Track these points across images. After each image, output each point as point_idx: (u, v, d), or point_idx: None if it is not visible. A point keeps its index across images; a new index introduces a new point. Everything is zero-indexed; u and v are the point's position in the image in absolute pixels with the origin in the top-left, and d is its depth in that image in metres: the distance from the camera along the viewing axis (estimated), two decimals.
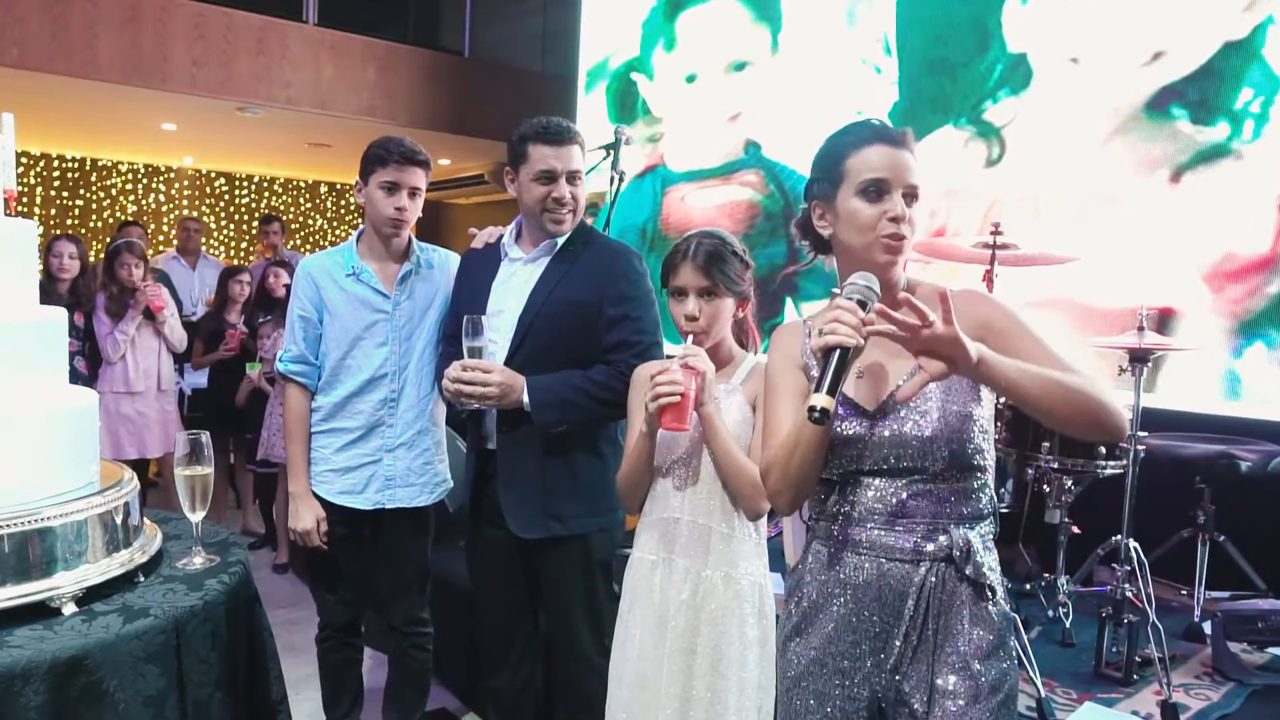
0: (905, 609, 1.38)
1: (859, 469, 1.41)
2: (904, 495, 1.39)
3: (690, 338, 1.82)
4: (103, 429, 4.32)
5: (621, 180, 3.60)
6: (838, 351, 1.24)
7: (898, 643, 1.39)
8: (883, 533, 1.39)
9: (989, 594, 1.39)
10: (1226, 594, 3.13)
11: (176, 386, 4.79)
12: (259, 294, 4.77)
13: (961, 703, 1.36)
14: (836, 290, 1.38)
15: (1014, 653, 1.43)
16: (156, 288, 4.33)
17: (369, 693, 2.68)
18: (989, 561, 1.40)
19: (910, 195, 1.39)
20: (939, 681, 1.38)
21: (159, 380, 4.48)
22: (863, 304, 1.29)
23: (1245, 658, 2.74)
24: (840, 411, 1.40)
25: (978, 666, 1.37)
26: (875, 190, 1.38)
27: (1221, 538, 3.11)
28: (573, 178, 2.13)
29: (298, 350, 2.36)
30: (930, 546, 1.38)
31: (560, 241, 2.18)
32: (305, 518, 2.33)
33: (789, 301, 5.10)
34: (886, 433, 1.39)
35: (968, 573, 1.37)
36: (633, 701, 1.85)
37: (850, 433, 1.41)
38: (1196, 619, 3.00)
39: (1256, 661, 2.76)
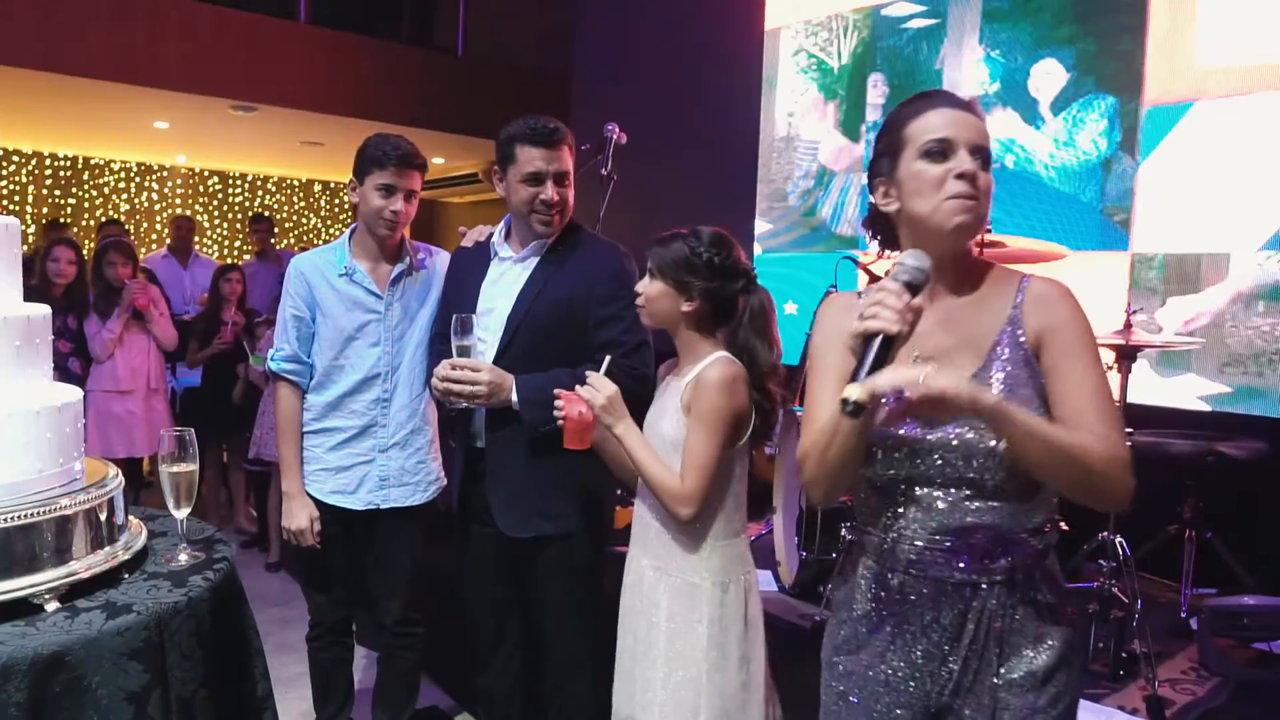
0: (964, 633, 1.29)
1: (912, 475, 1.29)
2: (962, 510, 1.27)
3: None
4: (92, 427, 4.33)
5: (613, 180, 3.61)
6: (878, 338, 1.14)
7: (956, 668, 1.30)
8: (939, 553, 1.28)
9: (1054, 612, 1.31)
10: (1213, 590, 3.14)
11: (168, 385, 4.79)
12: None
13: (1023, 717, 1.29)
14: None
15: (1077, 667, 1.35)
16: (140, 284, 4.32)
17: (360, 692, 2.68)
18: (1051, 577, 1.31)
19: (979, 155, 1.26)
20: (1001, 699, 1.30)
21: (149, 379, 4.47)
22: (912, 286, 1.18)
23: (1231, 653, 2.76)
24: (891, 407, 1.25)
25: (1041, 683, 1.29)
26: (939, 150, 1.26)
27: (1209, 534, 3.12)
28: (561, 178, 2.13)
29: (290, 349, 2.36)
30: (990, 569, 1.27)
31: (549, 241, 2.18)
32: (299, 516, 2.33)
33: None
34: (946, 436, 1.26)
35: (1032, 596, 1.29)
36: (619, 688, 1.90)
37: (903, 434, 1.27)
38: (1183, 615, 3.02)
39: (1242, 657, 2.77)
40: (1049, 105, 4.05)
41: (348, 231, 2.43)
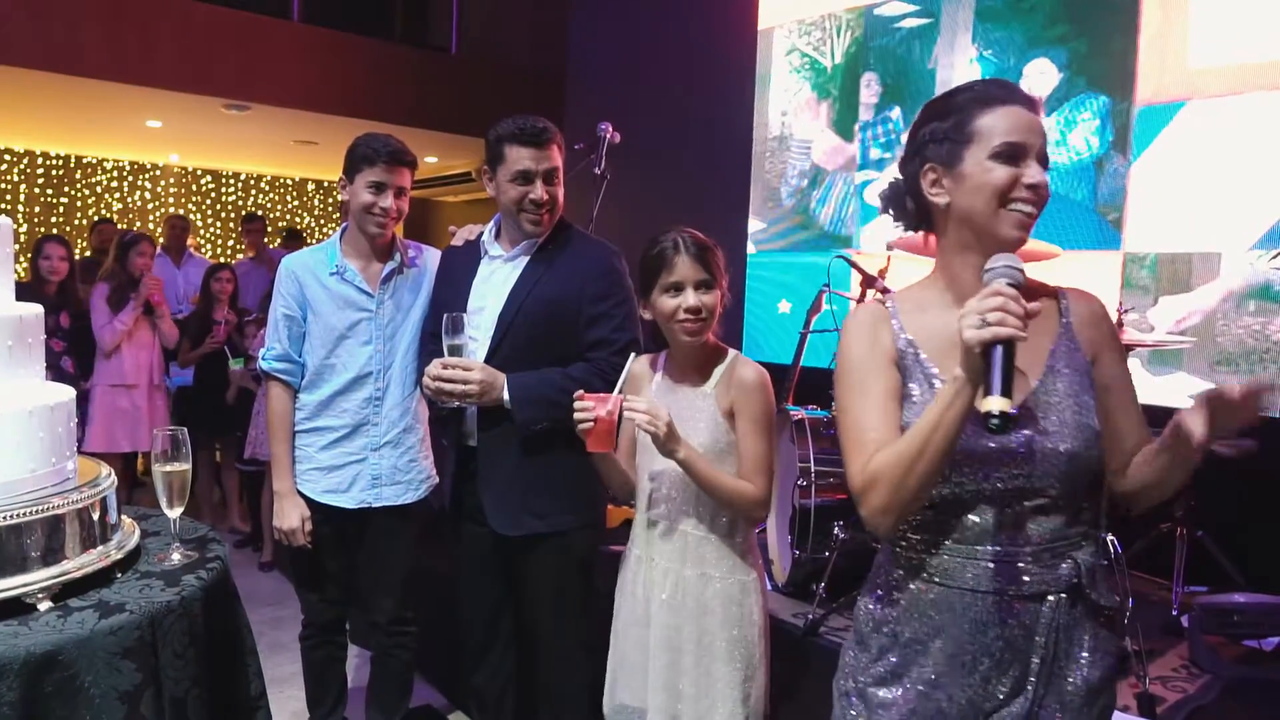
0: (1034, 648, 1.23)
1: (973, 489, 1.24)
2: (1024, 519, 1.23)
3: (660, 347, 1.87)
4: (97, 422, 4.42)
5: (606, 179, 3.60)
6: (1000, 346, 1.08)
7: (1029, 686, 1.24)
8: (999, 565, 1.23)
9: (1110, 619, 1.28)
10: (1204, 588, 3.15)
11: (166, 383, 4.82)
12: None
13: None
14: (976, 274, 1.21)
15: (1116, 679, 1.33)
16: (157, 281, 4.39)
17: (353, 690, 2.68)
18: (1109, 582, 1.30)
19: (1044, 162, 1.26)
20: (1061, 708, 1.26)
21: (152, 375, 4.55)
22: (1017, 287, 1.13)
23: (1221, 650, 2.77)
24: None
25: (1094, 699, 1.27)
26: (1011, 154, 1.23)
27: (1200, 532, 3.13)
28: (550, 177, 2.13)
29: (281, 349, 2.36)
30: (1052, 577, 1.23)
31: (539, 240, 2.18)
32: (290, 516, 2.33)
33: None
34: (1015, 447, 1.22)
35: (1093, 598, 1.25)
36: (624, 691, 1.89)
37: (968, 445, 1.21)
38: (1174, 612, 3.03)
39: (1232, 654, 2.78)
40: (1042, 105, 4.06)
41: (338, 230, 2.43)
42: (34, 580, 1.45)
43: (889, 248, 3.18)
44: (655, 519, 1.85)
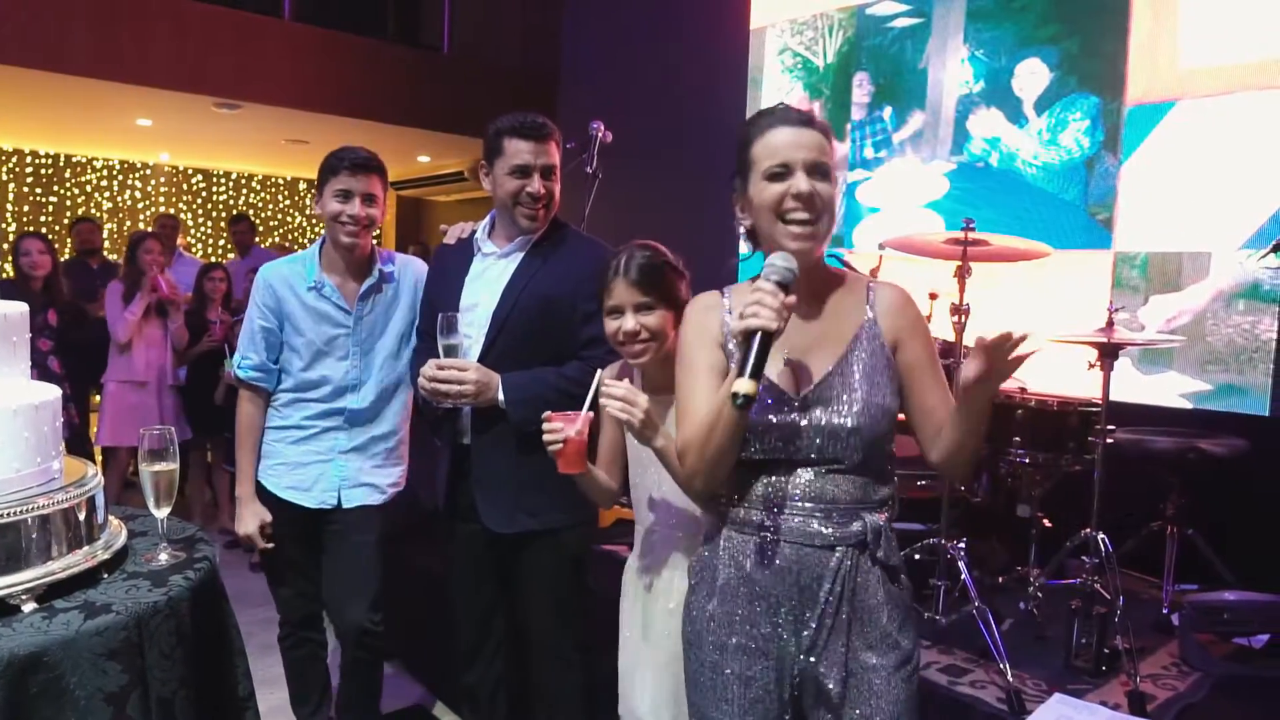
0: (821, 593, 1.41)
1: (780, 457, 1.42)
2: (824, 483, 1.41)
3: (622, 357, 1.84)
4: (109, 416, 4.58)
5: (598, 178, 3.60)
6: (759, 335, 1.25)
7: (813, 625, 1.41)
8: (801, 520, 1.41)
9: (897, 575, 1.46)
10: (1194, 586, 3.16)
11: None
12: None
13: (883, 676, 1.42)
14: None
15: (915, 632, 1.50)
16: (167, 278, 4.54)
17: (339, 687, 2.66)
18: (893, 544, 1.46)
19: (815, 172, 1.38)
20: (858, 659, 1.43)
21: (163, 374, 4.68)
22: (783, 286, 1.29)
23: (1211, 648, 2.78)
24: (765, 399, 1.41)
25: (895, 641, 1.44)
26: (780, 173, 1.38)
27: (1190, 531, 3.14)
28: (547, 173, 2.13)
29: (258, 359, 2.38)
30: (845, 533, 1.41)
31: (534, 237, 2.18)
32: (248, 522, 2.38)
33: None
34: (811, 421, 1.40)
35: (879, 556, 1.42)
36: (632, 699, 1.87)
37: (775, 420, 1.41)
38: (1165, 610, 3.04)
39: (1222, 652, 2.79)
40: (1032, 104, 4.07)
41: (316, 243, 2.41)
42: (19, 581, 1.44)
43: (880, 247, 3.19)
44: (654, 528, 1.84)
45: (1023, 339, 1.24)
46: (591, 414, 1.68)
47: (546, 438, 1.66)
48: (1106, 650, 2.63)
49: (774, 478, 1.43)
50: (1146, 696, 2.44)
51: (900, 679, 1.44)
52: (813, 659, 1.43)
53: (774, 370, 1.42)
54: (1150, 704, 2.43)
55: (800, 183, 1.37)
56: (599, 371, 1.76)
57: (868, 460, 1.42)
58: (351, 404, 2.37)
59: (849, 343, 1.44)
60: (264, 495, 2.41)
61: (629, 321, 1.76)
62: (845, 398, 1.40)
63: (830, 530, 1.40)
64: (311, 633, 2.51)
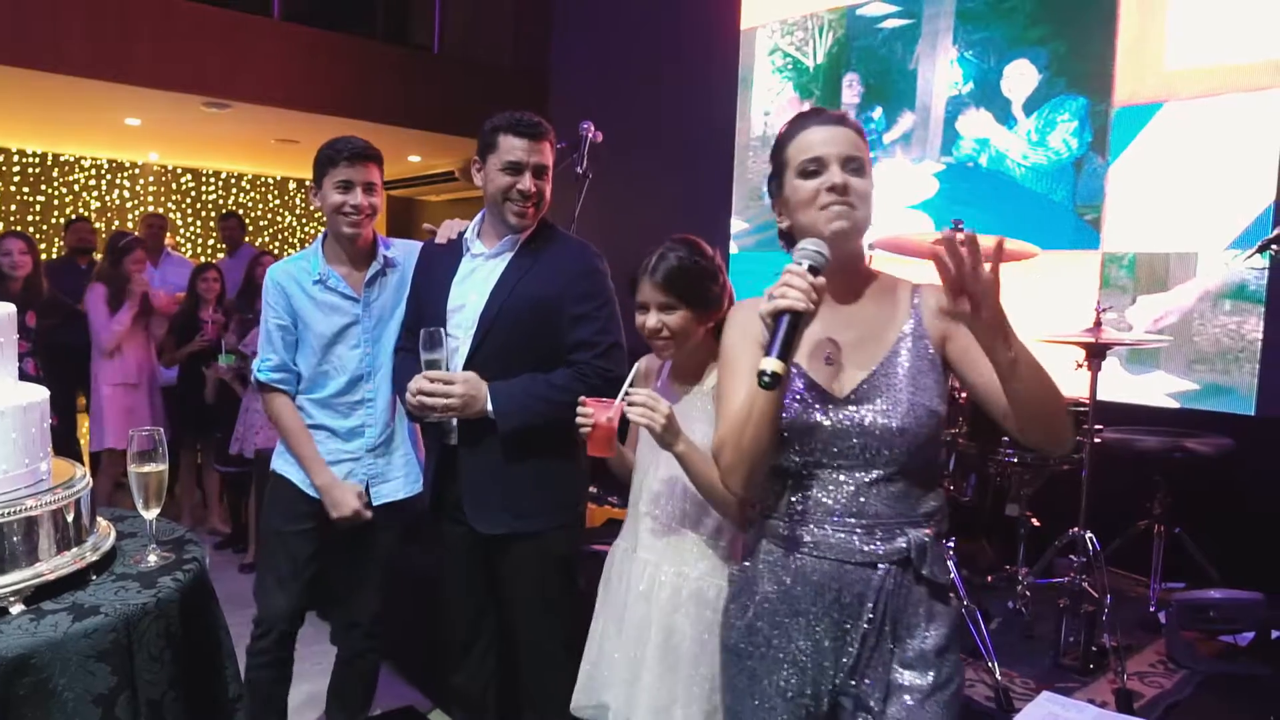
0: (864, 612, 1.37)
1: (818, 460, 1.39)
2: (863, 492, 1.37)
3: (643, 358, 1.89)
4: (103, 419, 4.58)
5: (588, 179, 3.60)
6: (787, 316, 1.24)
7: (855, 646, 1.38)
8: (841, 534, 1.37)
9: (944, 593, 1.41)
10: (1181, 584, 3.18)
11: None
12: (247, 285, 4.78)
13: (919, 697, 1.38)
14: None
15: (957, 652, 1.44)
16: (153, 290, 4.61)
17: (311, 697, 2.62)
18: (941, 560, 1.40)
19: (850, 166, 1.38)
20: (895, 678, 1.39)
21: (150, 374, 4.69)
22: (814, 270, 1.28)
23: (1198, 646, 2.80)
24: (803, 395, 1.39)
25: (933, 661, 1.39)
26: (813, 170, 1.38)
27: (1177, 529, 3.16)
28: (539, 172, 2.13)
29: (278, 359, 2.38)
30: (887, 549, 1.36)
31: (522, 237, 2.18)
32: (347, 501, 2.33)
33: None
34: (854, 421, 1.37)
35: (925, 573, 1.37)
36: (593, 676, 1.89)
37: (813, 419, 1.38)
38: (1152, 609, 3.06)
39: (1208, 649, 2.81)
40: (1021, 105, 4.09)
41: (319, 238, 2.43)
42: (7, 583, 1.43)
43: (870, 247, 3.18)
44: (644, 512, 1.86)
45: (964, 241, 1.20)
46: (625, 403, 1.74)
47: (578, 420, 1.76)
48: (1094, 648, 2.64)
49: (814, 490, 1.40)
50: (1134, 694, 2.46)
51: (939, 703, 1.39)
52: (853, 679, 1.40)
53: (815, 369, 1.41)
54: (1137, 701, 2.45)
55: (834, 175, 1.37)
56: (638, 363, 1.88)
57: (912, 467, 1.37)
58: (368, 393, 2.38)
59: (893, 343, 1.41)
60: (291, 491, 2.38)
61: (651, 319, 1.82)
62: (889, 398, 1.37)
63: (872, 546, 1.37)
64: (285, 654, 2.44)
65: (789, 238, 1.47)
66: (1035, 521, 3.16)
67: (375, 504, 2.39)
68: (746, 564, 1.51)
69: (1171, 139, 3.64)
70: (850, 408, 1.38)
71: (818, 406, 1.39)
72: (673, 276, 1.79)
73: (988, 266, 1.20)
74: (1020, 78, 4.10)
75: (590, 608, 1.98)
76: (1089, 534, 2.78)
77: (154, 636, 1.48)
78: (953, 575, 1.49)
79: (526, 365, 2.12)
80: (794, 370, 1.38)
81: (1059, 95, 3.97)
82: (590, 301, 2.13)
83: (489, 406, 2.08)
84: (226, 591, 1.92)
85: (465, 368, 2.15)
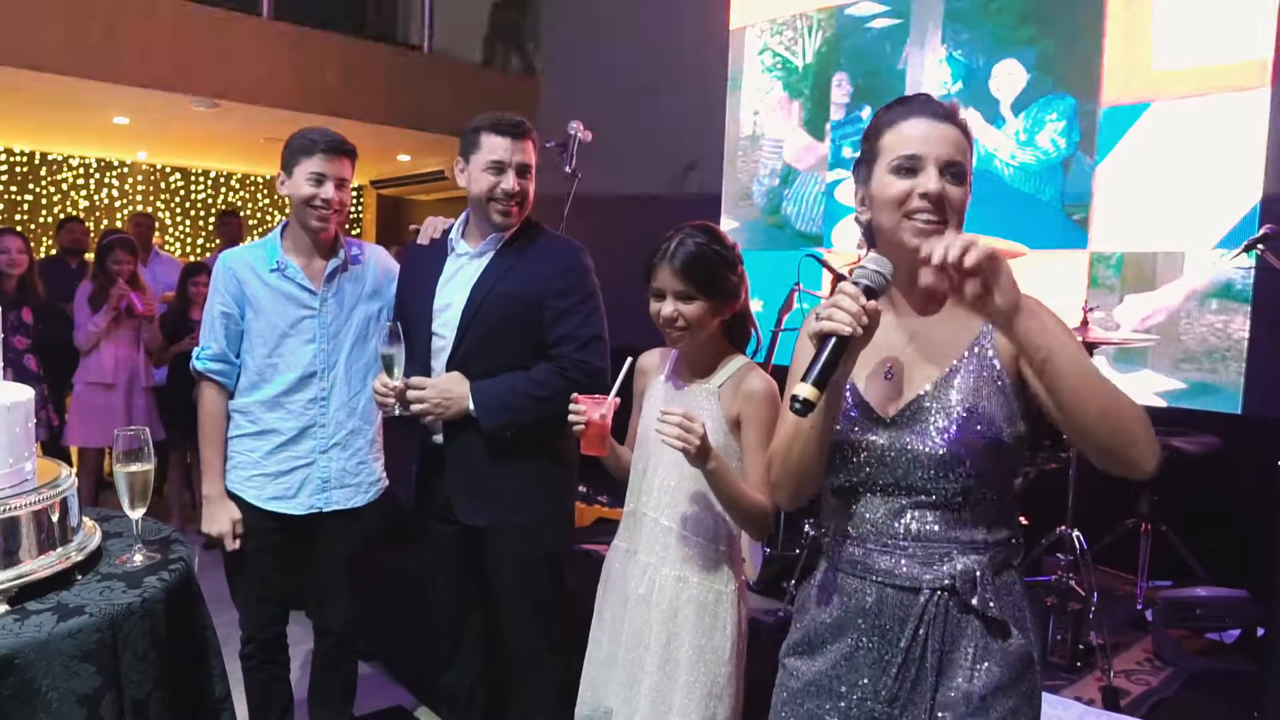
0: (902, 638, 1.28)
1: (863, 481, 1.31)
2: (911, 515, 1.28)
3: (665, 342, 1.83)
4: (73, 416, 4.55)
5: (577, 178, 3.60)
6: (832, 340, 1.14)
7: (893, 673, 1.29)
8: (881, 556, 1.30)
9: (1002, 630, 1.27)
10: (1168, 582, 3.20)
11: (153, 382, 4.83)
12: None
13: None
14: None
15: (1025, 695, 1.28)
16: (127, 290, 4.45)
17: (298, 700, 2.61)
18: (1004, 593, 1.28)
19: (950, 171, 1.24)
20: (939, 716, 1.28)
21: (134, 375, 4.61)
22: (871, 291, 1.18)
23: (1184, 644, 2.81)
24: (852, 414, 1.31)
25: (978, 706, 1.26)
26: (909, 167, 1.24)
27: (1164, 528, 3.18)
28: (522, 171, 2.13)
29: (218, 348, 2.29)
30: (934, 574, 1.27)
31: (505, 236, 2.18)
32: (220, 520, 2.26)
33: None
34: (896, 445, 1.28)
35: (973, 604, 1.25)
36: (596, 679, 1.88)
37: (861, 440, 1.30)
38: (1139, 607, 3.07)
39: (1194, 647, 2.82)
40: (1010, 105, 4.10)
41: (279, 227, 2.35)
42: None
43: (860, 246, 3.19)
44: (644, 513, 1.83)
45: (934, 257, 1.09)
46: (618, 400, 1.73)
47: (570, 418, 1.72)
48: (1081, 646, 2.66)
49: (861, 509, 1.32)
50: (1120, 692, 2.47)
51: None
52: (895, 710, 1.30)
53: (872, 387, 1.32)
54: (1124, 699, 2.47)
55: (929, 180, 1.23)
56: (632, 358, 1.83)
57: (965, 494, 1.26)
58: (321, 391, 2.29)
59: (954, 361, 1.29)
60: (244, 509, 2.30)
61: (667, 307, 1.74)
62: (938, 422, 1.26)
63: (917, 570, 1.28)
64: (278, 654, 2.41)
65: (868, 234, 1.35)
66: (1022, 519, 3.17)
67: (326, 510, 2.31)
68: (807, 582, 1.47)
69: (1159, 139, 3.66)
70: (895, 430, 1.28)
71: (864, 426, 1.31)
72: (692, 263, 1.72)
73: (973, 252, 1.08)
74: (1008, 77, 4.11)
75: (581, 608, 1.97)
76: (1076, 532, 2.79)
77: (139, 636, 1.48)
78: (1024, 614, 1.32)
79: (509, 362, 2.12)
80: (847, 387, 1.31)
81: (1047, 95, 3.98)
82: (571, 296, 2.13)
83: (470, 405, 2.08)
84: (213, 592, 1.91)
85: (448, 366, 2.14)
